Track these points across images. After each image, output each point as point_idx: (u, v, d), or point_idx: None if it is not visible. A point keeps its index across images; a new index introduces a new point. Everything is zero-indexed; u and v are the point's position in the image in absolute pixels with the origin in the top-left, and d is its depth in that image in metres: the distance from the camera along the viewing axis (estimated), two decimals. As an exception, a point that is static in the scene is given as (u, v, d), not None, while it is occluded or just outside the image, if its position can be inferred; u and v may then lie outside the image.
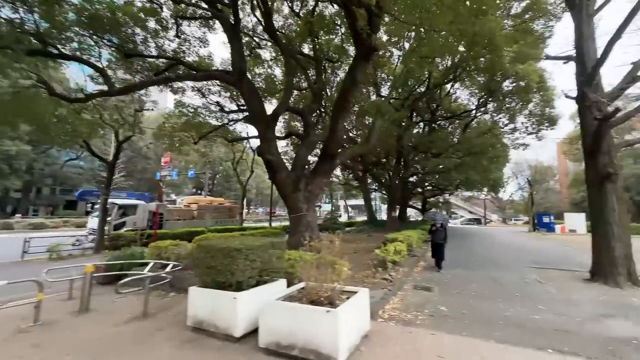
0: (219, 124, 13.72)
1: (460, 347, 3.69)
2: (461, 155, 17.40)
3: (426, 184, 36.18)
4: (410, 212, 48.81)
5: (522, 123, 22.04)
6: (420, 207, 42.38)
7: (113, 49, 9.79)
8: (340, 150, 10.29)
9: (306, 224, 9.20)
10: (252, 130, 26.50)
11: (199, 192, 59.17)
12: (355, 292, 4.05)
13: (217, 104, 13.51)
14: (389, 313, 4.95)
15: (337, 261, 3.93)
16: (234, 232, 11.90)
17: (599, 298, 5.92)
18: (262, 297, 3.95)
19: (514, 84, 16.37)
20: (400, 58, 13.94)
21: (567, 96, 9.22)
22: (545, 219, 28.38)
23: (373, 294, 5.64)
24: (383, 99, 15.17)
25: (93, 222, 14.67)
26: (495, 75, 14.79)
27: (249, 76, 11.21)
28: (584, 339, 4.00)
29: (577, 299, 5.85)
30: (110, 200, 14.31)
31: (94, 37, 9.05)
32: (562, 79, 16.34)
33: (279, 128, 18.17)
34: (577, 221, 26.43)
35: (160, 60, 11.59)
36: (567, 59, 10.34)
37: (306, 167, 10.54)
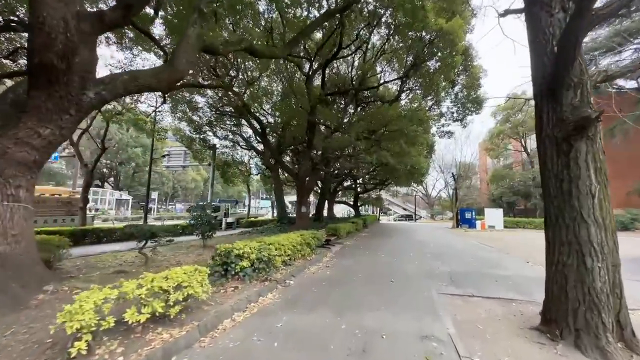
0: None
1: None
2: (376, 135, 13.80)
3: (360, 178, 33.27)
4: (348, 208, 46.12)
5: (447, 108, 20.02)
6: (352, 202, 39.83)
7: None
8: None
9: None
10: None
11: (98, 184, 47.84)
12: None
13: None
14: None
15: None
16: None
17: None
18: None
19: (439, 60, 13.38)
20: None
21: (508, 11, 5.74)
22: (468, 215, 27.76)
23: None
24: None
25: None
26: (416, 29, 11.38)
27: None
28: None
29: None
30: None
31: None
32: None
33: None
34: (495, 217, 26.18)
35: None
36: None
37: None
